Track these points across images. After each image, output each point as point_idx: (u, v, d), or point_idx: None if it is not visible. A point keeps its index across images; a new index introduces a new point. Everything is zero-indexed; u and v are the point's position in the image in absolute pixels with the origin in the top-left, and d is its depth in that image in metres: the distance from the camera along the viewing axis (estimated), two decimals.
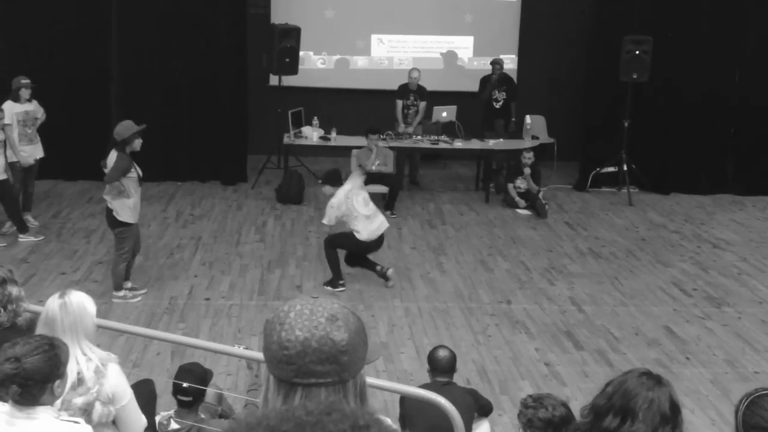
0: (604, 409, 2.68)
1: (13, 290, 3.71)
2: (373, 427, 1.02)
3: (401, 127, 11.03)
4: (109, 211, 6.93)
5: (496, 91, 11.23)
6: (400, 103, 11.17)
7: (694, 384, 6.02)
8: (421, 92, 11.13)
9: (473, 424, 4.53)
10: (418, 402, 4.05)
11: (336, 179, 7.62)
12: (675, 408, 2.65)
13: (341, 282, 7.59)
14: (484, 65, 11.91)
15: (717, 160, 11.35)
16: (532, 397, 3.61)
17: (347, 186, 7.50)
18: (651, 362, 6.20)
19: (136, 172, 6.83)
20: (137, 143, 6.77)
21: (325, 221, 7.56)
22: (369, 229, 7.47)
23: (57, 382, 2.81)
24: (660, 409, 2.61)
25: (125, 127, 6.75)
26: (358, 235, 7.45)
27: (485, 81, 11.33)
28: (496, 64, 11.31)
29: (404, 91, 11.17)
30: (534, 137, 11.34)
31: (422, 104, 11.11)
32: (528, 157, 10.39)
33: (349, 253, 7.74)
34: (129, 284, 7.25)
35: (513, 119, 11.41)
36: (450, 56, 12.72)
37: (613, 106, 10.95)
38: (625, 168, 10.97)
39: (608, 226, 9.89)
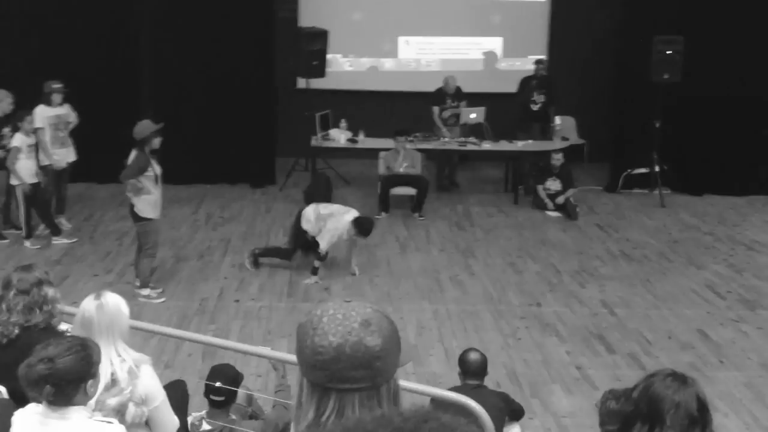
0: (631, 417, 2.63)
1: (49, 291, 3.76)
2: (432, 417, 1.02)
3: (444, 132, 10.89)
4: (131, 207, 7.09)
5: (535, 94, 11.10)
6: (436, 109, 11.03)
7: (728, 388, 5.94)
8: (458, 95, 11.05)
9: (504, 428, 4.51)
10: (447, 405, 4.03)
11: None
12: (703, 407, 2.60)
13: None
14: (513, 66, 11.85)
15: (750, 161, 11.17)
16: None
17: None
18: (684, 366, 6.12)
19: (153, 170, 6.93)
20: (156, 142, 6.90)
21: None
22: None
23: (90, 382, 2.84)
24: (687, 411, 2.57)
25: (143, 127, 6.88)
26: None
27: (526, 82, 11.20)
28: (540, 63, 11.18)
29: (440, 95, 11.07)
30: (564, 138, 11.26)
31: (463, 104, 11.04)
32: (557, 159, 10.31)
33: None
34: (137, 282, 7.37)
35: (551, 124, 11.27)
36: (478, 57, 12.67)
37: (644, 107, 10.83)
38: (656, 169, 10.85)
39: (640, 228, 9.78)
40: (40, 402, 2.81)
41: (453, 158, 11.38)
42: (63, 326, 4.06)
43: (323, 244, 7.66)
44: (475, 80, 12.20)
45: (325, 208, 7.95)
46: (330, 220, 7.71)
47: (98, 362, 2.90)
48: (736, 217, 10.34)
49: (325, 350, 1.44)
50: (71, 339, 2.94)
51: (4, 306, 3.69)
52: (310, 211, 7.86)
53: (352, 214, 7.79)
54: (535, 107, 11.13)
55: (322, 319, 1.48)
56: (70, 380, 2.77)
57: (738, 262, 8.66)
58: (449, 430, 1.01)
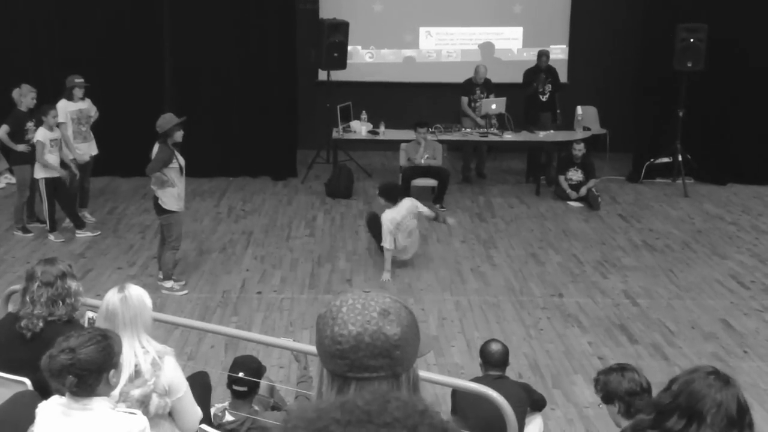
0: (668, 409, 2.59)
1: (72, 284, 3.80)
2: (429, 412, 1.05)
3: (479, 120, 10.83)
4: (155, 199, 7.15)
5: (542, 84, 11.08)
6: (465, 99, 11.02)
7: (753, 378, 5.89)
8: (487, 85, 11.02)
9: (526, 419, 4.50)
10: (469, 396, 4.03)
11: (392, 195, 7.80)
12: (742, 410, 2.57)
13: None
14: (534, 56, 11.76)
15: None
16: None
17: (398, 214, 7.64)
18: (708, 356, 6.08)
19: (177, 162, 6.98)
20: (178, 135, 6.94)
21: (386, 245, 7.66)
22: (398, 252, 7.82)
23: (112, 372, 2.87)
24: (728, 412, 2.54)
25: (166, 120, 6.93)
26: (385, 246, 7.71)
27: (531, 73, 11.16)
28: (543, 56, 11.15)
29: (470, 86, 11.04)
30: (586, 128, 11.18)
31: (492, 96, 10.99)
32: (579, 149, 10.25)
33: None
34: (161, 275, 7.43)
35: (558, 111, 11.25)
36: (499, 48, 12.61)
37: (667, 96, 10.73)
38: (680, 158, 10.75)
39: (663, 218, 9.71)
40: (63, 393, 2.84)
41: (481, 150, 11.35)
42: (89, 314, 4.11)
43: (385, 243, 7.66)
44: (495, 70, 12.14)
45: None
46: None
47: (119, 352, 2.94)
48: (760, 207, 10.23)
49: (345, 339, 1.46)
50: (92, 330, 2.98)
51: (27, 298, 3.74)
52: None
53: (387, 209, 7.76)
54: (543, 97, 11.10)
55: (342, 309, 1.49)
56: (92, 370, 2.80)
57: (762, 252, 8.58)
58: (411, 408, 1.05)
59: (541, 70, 11.08)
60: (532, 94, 11.11)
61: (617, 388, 3.58)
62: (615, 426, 3.71)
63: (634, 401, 3.53)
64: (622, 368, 3.70)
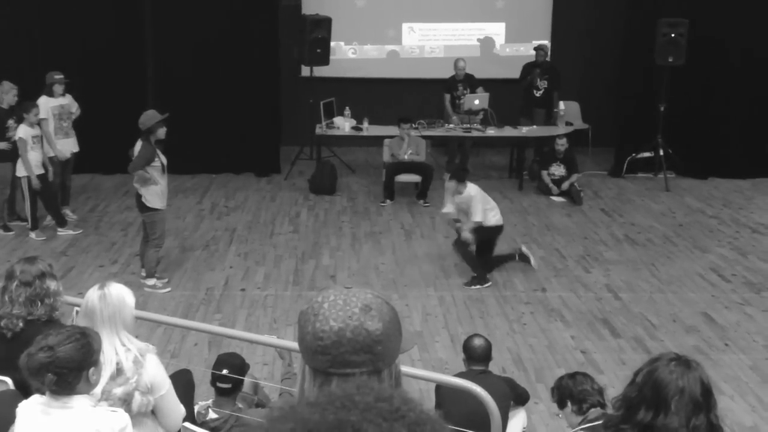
0: (635, 402, 2.63)
1: (51, 284, 3.77)
2: (396, 398, 1.09)
3: (454, 120, 10.84)
4: (138, 197, 7.10)
5: (538, 79, 11.08)
6: (447, 96, 11.02)
7: (734, 370, 5.94)
8: (470, 81, 11.01)
9: (509, 413, 4.52)
10: (453, 391, 4.05)
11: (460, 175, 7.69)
12: (706, 392, 2.61)
13: (488, 277, 7.56)
14: (517, 51, 11.80)
15: (756, 144, 11.14)
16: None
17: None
18: (689, 349, 6.13)
19: (159, 160, 6.94)
20: (161, 132, 6.90)
21: (445, 210, 7.72)
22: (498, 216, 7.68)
23: (92, 370, 2.86)
24: (692, 397, 2.57)
25: (148, 117, 6.88)
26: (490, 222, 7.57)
27: (529, 68, 11.16)
28: (540, 50, 11.15)
29: (452, 83, 11.04)
30: (568, 123, 11.22)
31: (480, 89, 10.94)
32: (561, 144, 10.29)
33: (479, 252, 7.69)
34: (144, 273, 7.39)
35: (555, 110, 11.26)
36: (482, 43, 12.62)
37: (649, 91, 10.79)
38: (661, 153, 10.82)
39: (645, 212, 9.77)
40: (43, 392, 2.83)
41: (465, 145, 11.36)
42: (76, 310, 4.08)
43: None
44: (478, 66, 12.16)
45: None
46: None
47: (98, 350, 2.92)
48: (740, 200, 10.31)
49: (327, 335, 1.46)
50: (71, 328, 2.96)
51: (6, 297, 3.71)
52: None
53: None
54: (537, 93, 11.11)
55: (323, 305, 1.49)
56: (71, 368, 2.79)
57: (743, 245, 8.65)
58: (377, 392, 1.10)
59: (537, 64, 11.07)
60: (526, 88, 11.11)
61: (568, 389, 3.89)
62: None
63: (585, 398, 3.83)
64: (572, 374, 4.05)
